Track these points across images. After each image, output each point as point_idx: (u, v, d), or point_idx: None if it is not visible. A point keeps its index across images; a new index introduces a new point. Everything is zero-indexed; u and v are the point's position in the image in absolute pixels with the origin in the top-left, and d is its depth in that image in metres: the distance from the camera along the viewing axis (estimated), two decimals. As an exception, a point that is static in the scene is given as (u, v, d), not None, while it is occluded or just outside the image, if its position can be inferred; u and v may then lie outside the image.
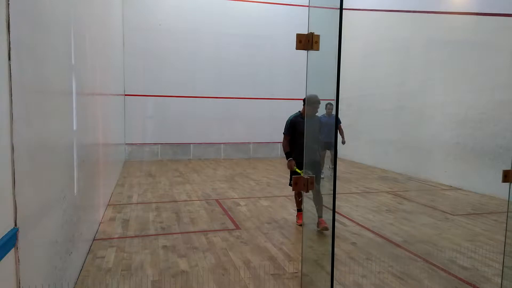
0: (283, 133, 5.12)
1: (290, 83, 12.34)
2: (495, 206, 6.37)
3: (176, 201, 6.44)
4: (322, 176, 8.20)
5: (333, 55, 2.40)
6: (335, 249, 2.99)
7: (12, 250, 1.81)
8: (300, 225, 5.09)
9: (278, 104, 12.46)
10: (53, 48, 2.69)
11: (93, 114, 4.68)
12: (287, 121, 5.13)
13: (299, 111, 5.14)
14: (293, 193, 5.63)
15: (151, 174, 9.16)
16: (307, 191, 2.66)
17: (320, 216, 4.75)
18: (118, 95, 9.18)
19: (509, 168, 2.95)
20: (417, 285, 3.42)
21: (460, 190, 7.62)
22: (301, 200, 5.08)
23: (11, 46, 1.79)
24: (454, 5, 8.25)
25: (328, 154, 8.50)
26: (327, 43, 2.49)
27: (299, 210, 5.27)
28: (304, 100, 5.00)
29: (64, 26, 3.06)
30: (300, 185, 2.63)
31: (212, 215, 5.59)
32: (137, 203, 6.26)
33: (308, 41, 2.41)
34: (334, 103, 2.58)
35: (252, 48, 12.30)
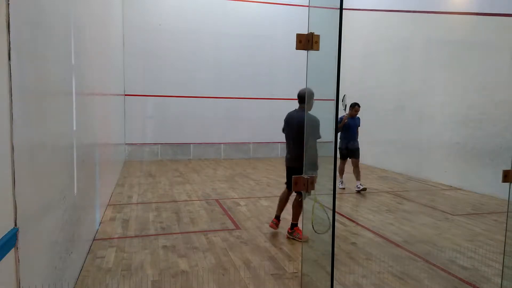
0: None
1: (290, 83, 12.31)
2: (495, 206, 6.37)
3: (176, 201, 6.44)
4: (341, 186, 7.58)
5: (333, 55, 2.40)
6: (335, 249, 2.99)
7: (12, 250, 1.81)
8: (305, 240, 4.21)
9: (278, 104, 12.44)
10: (53, 48, 2.69)
11: (93, 114, 4.67)
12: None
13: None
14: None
15: (151, 174, 9.16)
16: (307, 191, 2.66)
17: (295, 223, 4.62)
18: (118, 95, 9.18)
19: (509, 168, 2.95)
20: (417, 285, 3.42)
21: (460, 190, 7.62)
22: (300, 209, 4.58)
23: (11, 46, 1.79)
24: (454, 5, 8.25)
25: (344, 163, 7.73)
26: (327, 43, 2.49)
27: (296, 224, 4.64)
28: (301, 97, 4.79)
29: (64, 26, 3.06)
30: (300, 185, 2.63)
31: (212, 215, 5.59)
32: (137, 203, 6.26)
33: (308, 41, 2.41)
34: (334, 103, 2.58)
35: (252, 48, 12.29)
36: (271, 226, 4.90)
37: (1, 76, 1.73)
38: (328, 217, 4.28)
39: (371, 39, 11.09)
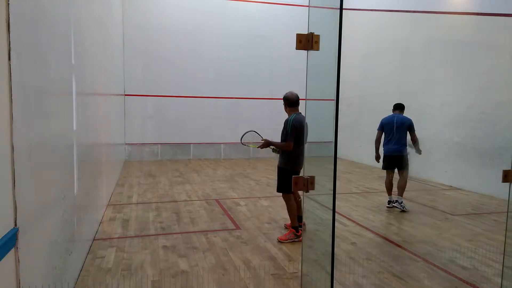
0: (288, 140, 4.46)
1: (290, 83, 12.29)
2: (495, 206, 6.37)
3: (176, 201, 6.44)
4: (390, 205, 6.13)
5: (333, 55, 2.40)
6: (335, 249, 2.99)
7: (12, 250, 1.81)
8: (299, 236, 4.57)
9: (278, 104, 12.40)
10: (53, 48, 2.69)
11: (93, 114, 4.67)
12: (291, 121, 4.56)
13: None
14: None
15: (151, 174, 9.16)
16: (307, 191, 2.66)
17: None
18: (118, 95, 9.18)
19: (509, 168, 2.95)
20: (417, 285, 3.42)
21: (460, 190, 7.62)
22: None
23: (11, 46, 1.79)
24: (454, 5, 8.25)
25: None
26: (327, 43, 2.49)
27: (296, 227, 4.56)
28: (295, 101, 4.73)
29: (64, 26, 3.06)
30: (300, 185, 2.63)
31: (212, 215, 5.59)
32: (137, 203, 6.25)
33: (308, 41, 2.41)
34: (334, 103, 2.58)
35: (252, 48, 12.29)
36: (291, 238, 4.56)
37: (1, 76, 1.73)
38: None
39: (371, 39, 11.08)
